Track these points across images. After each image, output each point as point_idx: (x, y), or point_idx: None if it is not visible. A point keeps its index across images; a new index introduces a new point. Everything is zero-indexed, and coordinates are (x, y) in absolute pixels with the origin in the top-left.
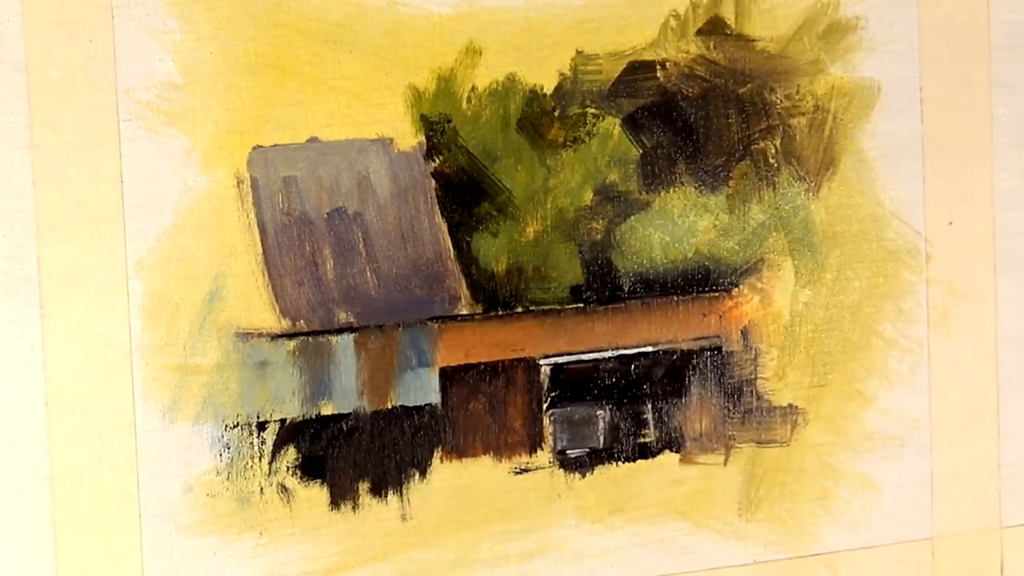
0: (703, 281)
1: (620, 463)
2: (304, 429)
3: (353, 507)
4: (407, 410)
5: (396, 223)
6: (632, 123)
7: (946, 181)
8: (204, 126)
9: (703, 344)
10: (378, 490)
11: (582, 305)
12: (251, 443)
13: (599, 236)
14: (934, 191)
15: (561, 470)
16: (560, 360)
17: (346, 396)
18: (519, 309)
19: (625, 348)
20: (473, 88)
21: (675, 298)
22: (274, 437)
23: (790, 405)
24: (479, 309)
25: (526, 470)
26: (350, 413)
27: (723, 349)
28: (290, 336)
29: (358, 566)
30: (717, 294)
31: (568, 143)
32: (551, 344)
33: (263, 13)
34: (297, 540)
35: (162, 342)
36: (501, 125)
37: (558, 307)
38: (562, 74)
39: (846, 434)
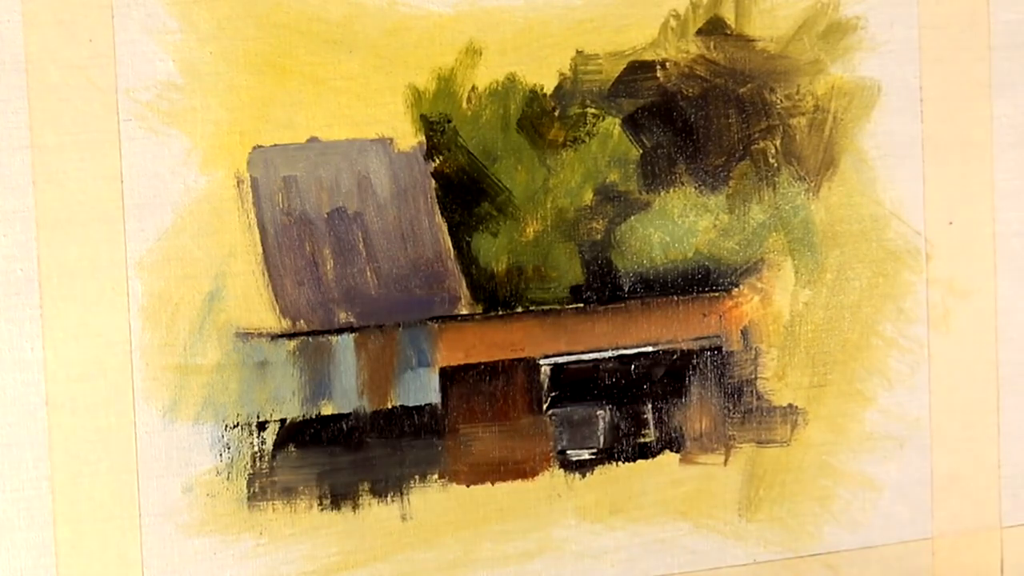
0: (703, 281)
1: (620, 463)
2: (304, 429)
3: (353, 507)
4: (407, 410)
5: (396, 223)
6: (632, 123)
7: (946, 181)
8: (204, 126)
9: (703, 344)
10: (378, 490)
11: (582, 305)
12: (251, 443)
13: (599, 236)
14: (934, 191)
15: (561, 470)
16: (560, 360)
17: (346, 396)
18: (519, 309)
19: (625, 348)
20: (473, 88)
21: (675, 298)
22: (274, 437)
23: (790, 405)
24: (479, 309)
25: None
26: (350, 413)
27: (723, 349)
28: (290, 336)
29: (358, 566)
30: (717, 294)
31: (568, 143)
32: (551, 344)
33: (263, 13)
34: (297, 540)
35: (162, 342)
36: (501, 125)
37: (558, 307)
38: (562, 74)
39: (846, 434)
